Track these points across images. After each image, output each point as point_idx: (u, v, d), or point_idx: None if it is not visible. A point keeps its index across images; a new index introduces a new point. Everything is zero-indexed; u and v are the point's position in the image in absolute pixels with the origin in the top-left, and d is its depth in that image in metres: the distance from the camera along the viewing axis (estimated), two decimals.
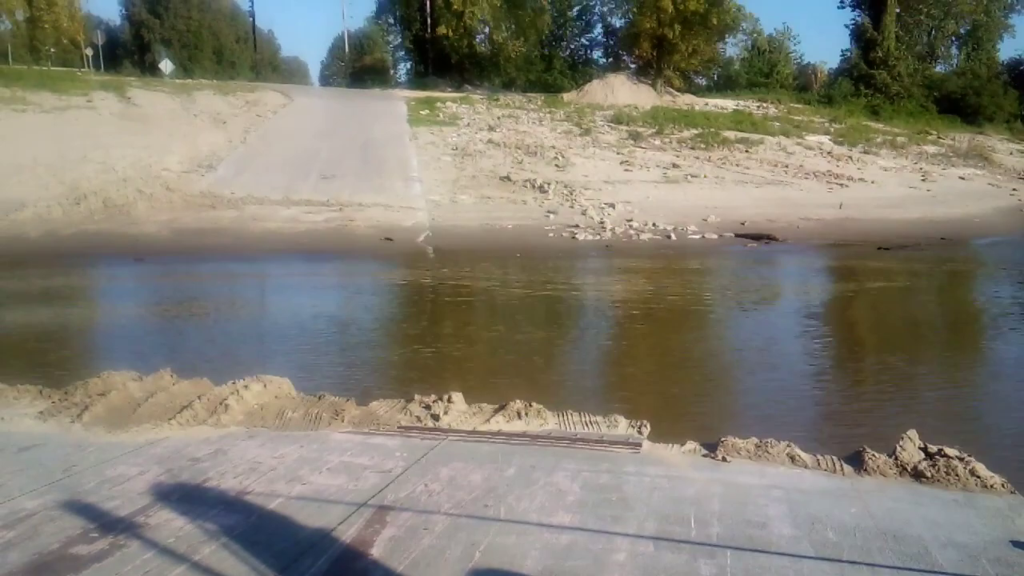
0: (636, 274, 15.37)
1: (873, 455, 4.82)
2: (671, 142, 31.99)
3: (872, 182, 28.35)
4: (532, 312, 12.46)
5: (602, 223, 20.17)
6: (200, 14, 69.28)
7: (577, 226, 19.86)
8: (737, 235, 19.82)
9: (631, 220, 20.66)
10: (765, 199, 24.18)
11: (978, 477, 4.52)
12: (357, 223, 19.50)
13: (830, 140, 35.57)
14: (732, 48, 54.58)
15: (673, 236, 19.34)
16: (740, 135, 33.54)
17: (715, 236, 19.59)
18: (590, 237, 18.95)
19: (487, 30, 50.43)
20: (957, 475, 4.55)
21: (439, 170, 25.30)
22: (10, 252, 16.09)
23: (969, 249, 20.19)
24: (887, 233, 20.57)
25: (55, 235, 17.71)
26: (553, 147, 29.22)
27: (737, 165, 29.03)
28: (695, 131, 33.66)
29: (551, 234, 19.27)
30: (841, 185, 27.30)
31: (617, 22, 53.50)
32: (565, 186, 24.03)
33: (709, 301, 13.57)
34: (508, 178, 24.54)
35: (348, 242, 18.02)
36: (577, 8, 57.00)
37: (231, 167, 23.90)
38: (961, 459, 4.71)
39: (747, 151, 31.36)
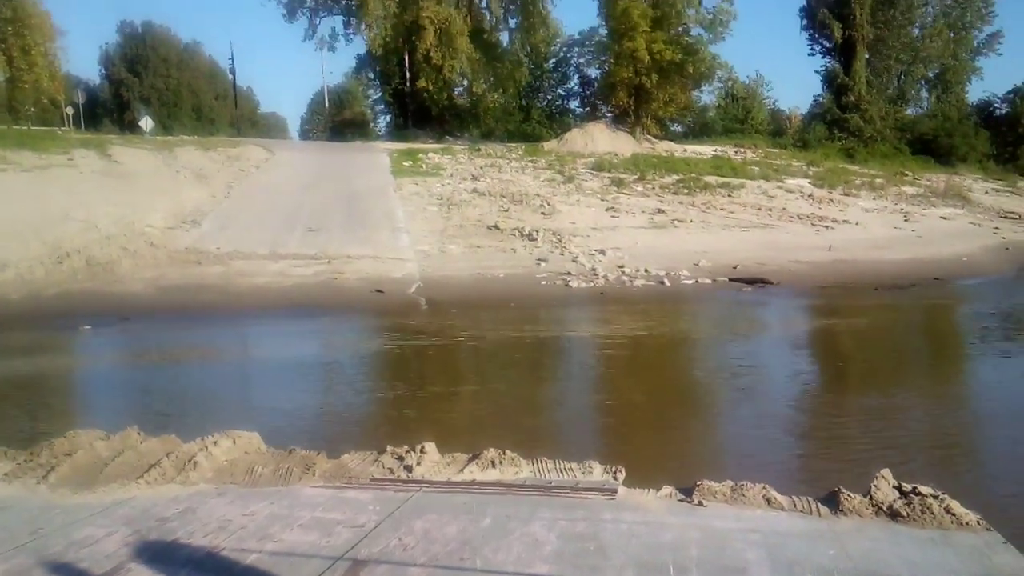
0: (634, 323, 15.17)
1: (848, 495, 4.83)
2: (654, 188, 32.12)
3: (856, 223, 28.52)
4: (533, 364, 12.30)
5: (594, 270, 20.02)
6: (179, 72, 69.67)
7: (569, 273, 19.70)
8: (731, 279, 19.68)
9: (623, 266, 20.53)
10: (754, 242, 24.21)
11: (953, 515, 4.54)
12: (346, 276, 19.22)
13: (810, 183, 35.90)
14: (707, 95, 55.38)
15: (667, 282, 19.20)
16: (721, 180, 33.76)
17: (708, 281, 19.47)
18: (583, 284, 18.77)
19: (466, 83, 50.95)
20: (932, 513, 4.57)
21: (426, 220, 25.17)
22: None
23: (963, 289, 20.12)
24: (879, 274, 20.56)
25: (37, 296, 17.25)
26: (538, 195, 29.22)
27: (721, 209, 29.15)
28: (676, 177, 33.87)
29: (544, 282, 19.07)
30: (826, 227, 27.44)
31: (593, 72, 54.28)
32: (553, 233, 23.94)
33: (713, 350, 13.42)
34: (496, 226, 24.44)
35: (338, 295, 17.70)
36: (553, 61, 57.75)
37: (216, 222, 23.62)
38: (935, 497, 4.73)
39: (729, 195, 31.54)
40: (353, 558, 4.09)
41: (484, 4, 50.10)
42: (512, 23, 51.51)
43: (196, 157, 32.24)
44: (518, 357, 12.54)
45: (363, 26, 46.50)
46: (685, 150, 43.27)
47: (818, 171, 39.01)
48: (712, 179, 33.60)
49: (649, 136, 45.57)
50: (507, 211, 26.64)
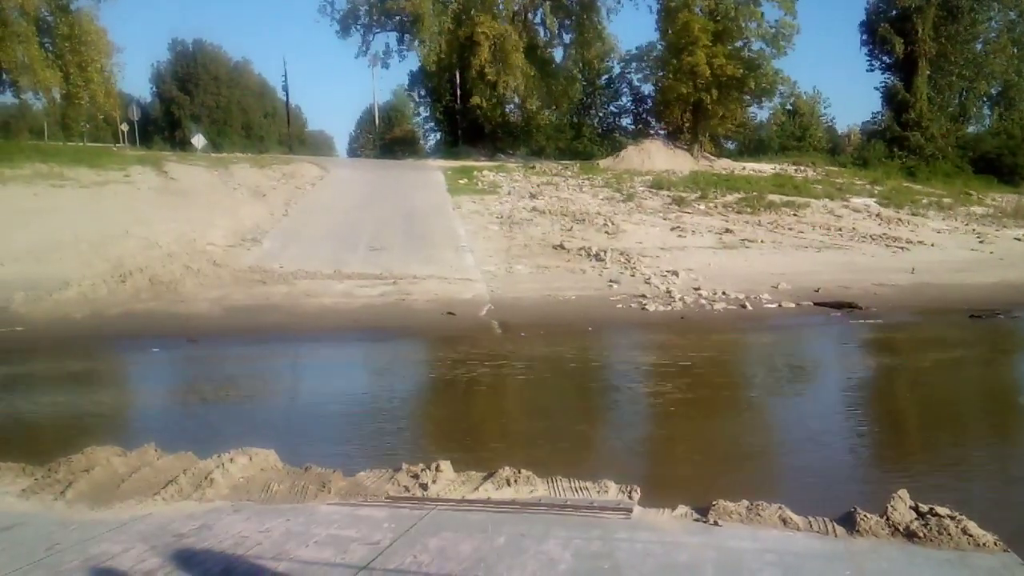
0: (730, 352, 14.32)
1: (865, 516, 4.81)
2: (716, 206, 31.23)
3: (932, 245, 27.32)
4: (654, 398, 11.44)
5: (669, 292, 19.15)
6: (229, 90, 70.39)
7: (644, 296, 18.84)
8: (816, 303, 18.66)
9: (699, 288, 19.63)
10: (831, 264, 23.16)
11: (970, 535, 4.51)
12: (414, 297, 18.58)
13: (876, 202, 34.71)
14: (764, 112, 54.04)
15: (748, 306, 18.23)
16: (785, 198, 32.74)
17: (792, 305, 18.45)
18: (661, 308, 17.89)
19: (517, 99, 50.45)
20: (949, 534, 4.54)
21: (488, 239, 24.53)
22: (55, 335, 15.20)
23: None
24: (969, 299, 19.38)
25: (101, 315, 16.77)
26: (599, 213, 28.51)
27: (790, 229, 28.15)
28: (738, 195, 32.92)
29: (619, 305, 18.23)
30: (902, 248, 26.29)
31: (647, 89, 53.42)
32: (621, 253, 23.15)
33: (841, 390, 12.51)
34: (562, 246, 23.73)
35: (408, 317, 17.02)
36: (606, 77, 57.12)
37: (277, 240, 23.20)
38: (952, 517, 4.70)
39: (795, 214, 30.54)
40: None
41: (538, 19, 49.62)
42: (567, 38, 50.99)
43: (251, 174, 32.04)
44: (631, 390, 11.75)
45: (417, 42, 46.22)
46: (744, 167, 42.23)
47: (883, 190, 37.79)
48: (775, 197, 32.61)
49: (706, 153, 44.65)
50: (570, 230, 25.94)
